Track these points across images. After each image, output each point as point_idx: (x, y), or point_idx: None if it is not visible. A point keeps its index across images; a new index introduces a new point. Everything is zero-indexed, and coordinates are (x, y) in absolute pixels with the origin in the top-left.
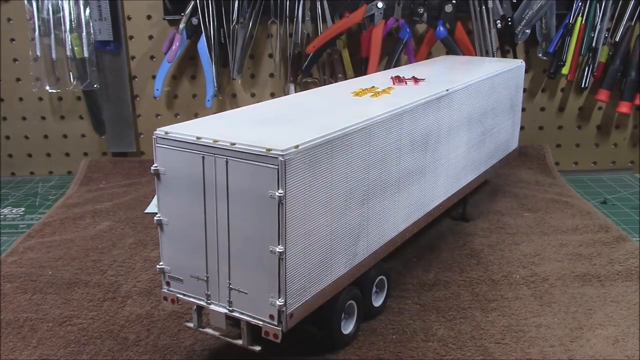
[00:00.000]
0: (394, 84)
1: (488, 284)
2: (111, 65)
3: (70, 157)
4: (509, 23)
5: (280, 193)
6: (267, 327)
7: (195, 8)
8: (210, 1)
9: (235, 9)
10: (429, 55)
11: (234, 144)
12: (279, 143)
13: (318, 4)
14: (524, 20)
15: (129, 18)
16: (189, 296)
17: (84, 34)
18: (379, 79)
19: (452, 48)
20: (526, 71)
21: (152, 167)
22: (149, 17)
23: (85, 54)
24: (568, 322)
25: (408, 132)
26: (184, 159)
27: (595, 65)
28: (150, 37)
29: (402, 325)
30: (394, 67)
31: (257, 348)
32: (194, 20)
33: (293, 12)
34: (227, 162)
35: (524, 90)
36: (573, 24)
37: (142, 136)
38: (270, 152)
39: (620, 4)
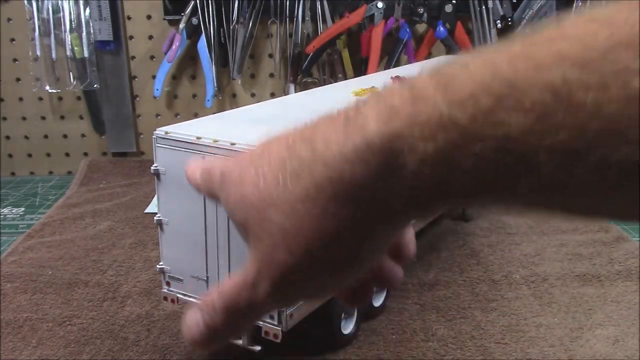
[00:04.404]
0: (394, 84)
1: (488, 284)
2: (111, 65)
3: (70, 157)
4: (509, 23)
5: None
6: (267, 327)
7: (195, 8)
8: (210, 1)
9: (235, 9)
10: (429, 55)
11: (234, 144)
12: None
13: (318, 4)
14: (524, 20)
15: (129, 18)
16: (189, 296)
17: (84, 34)
18: (379, 79)
19: (452, 48)
20: None
21: (152, 167)
22: (149, 17)
23: (85, 54)
24: (568, 322)
25: None
26: (184, 158)
27: None
28: (150, 37)
29: (402, 325)
30: (394, 67)
31: (257, 348)
32: (194, 20)
33: (293, 12)
34: None
35: None
36: None
37: (142, 136)
38: None
39: None
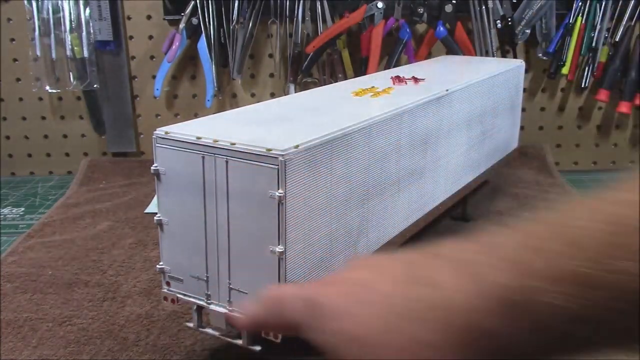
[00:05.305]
0: (394, 84)
1: None
2: (111, 65)
3: (70, 157)
4: (509, 23)
5: (280, 193)
6: None
7: (195, 8)
8: (210, 1)
9: (235, 9)
10: (429, 55)
11: (234, 144)
12: (279, 143)
13: (318, 4)
14: (524, 20)
15: (129, 18)
16: (189, 296)
17: (84, 34)
18: (379, 79)
19: (452, 48)
20: (526, 71)
21: (152, 167)
22: (149, 17)
23: (85, 54)
24: None
25: (408, 132)
26: (184, 159)
27: (595, 65)
28: (150, 37)
29: None
30: (394, 67)
31: (257, 348)
32: (194, 20)
33: (293, 12)
34: (227, 162)
35: (524, 90)
36: (573, 24)
37: (142, 136)
38: (271, 152)
39: (620, 4)
